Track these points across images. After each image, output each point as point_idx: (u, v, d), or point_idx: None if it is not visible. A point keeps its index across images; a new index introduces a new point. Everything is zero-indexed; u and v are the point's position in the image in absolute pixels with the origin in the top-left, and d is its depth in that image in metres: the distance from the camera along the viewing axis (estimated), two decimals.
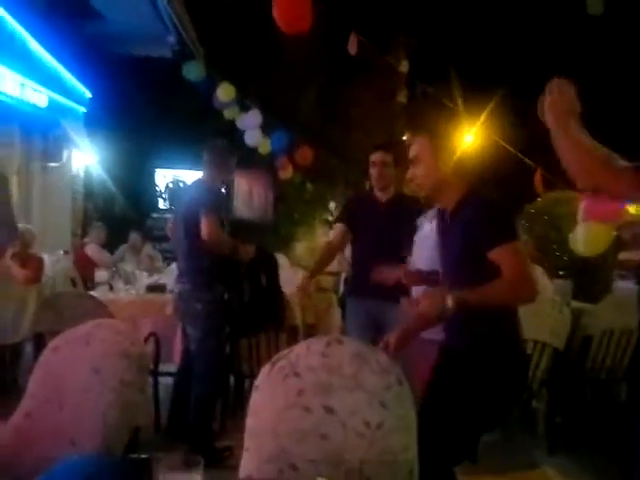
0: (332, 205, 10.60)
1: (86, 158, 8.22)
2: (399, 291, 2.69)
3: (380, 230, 3.06)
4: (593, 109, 2.10)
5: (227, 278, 3.22)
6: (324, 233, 10.00)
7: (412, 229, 2.78)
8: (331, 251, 3.38)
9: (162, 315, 3.57)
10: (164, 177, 10.33)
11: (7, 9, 5.94)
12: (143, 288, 4.19)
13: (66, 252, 6.44)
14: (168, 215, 7.18)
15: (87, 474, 1.08)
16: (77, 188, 8.38)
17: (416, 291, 2.57)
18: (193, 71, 6.89)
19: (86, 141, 7.90)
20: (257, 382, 1.49)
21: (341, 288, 6.30)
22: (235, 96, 7.09)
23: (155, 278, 4.71)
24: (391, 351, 1.97)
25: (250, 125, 7.42)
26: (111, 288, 4.36)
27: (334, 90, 10.06)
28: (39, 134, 7.33)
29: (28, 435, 1.55)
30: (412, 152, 1.98)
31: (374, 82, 9.90)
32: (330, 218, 10.25)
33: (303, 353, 1.50)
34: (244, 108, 7.43)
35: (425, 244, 2.59)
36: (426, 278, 2.30)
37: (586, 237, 4.13)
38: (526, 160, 6.75)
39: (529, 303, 1.82)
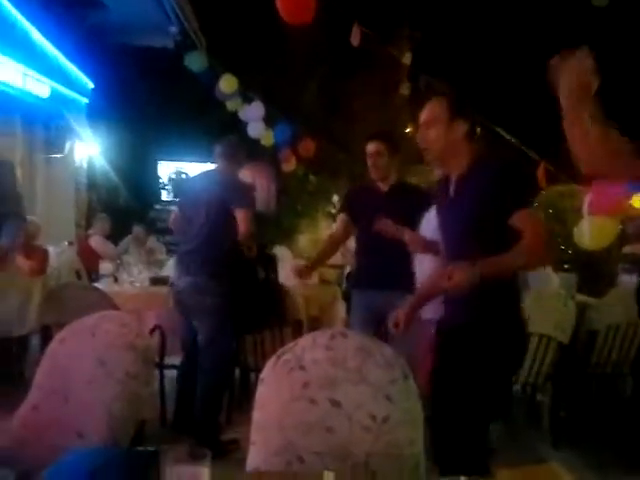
0: (335, 198, 10.56)
1: (89, 149, 8.21)
2: (404, 280, 2.69)
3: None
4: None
5: (233, 270, 3.21)
6: (327, 226, 9.97)
7: (415, 218, 2.73)
8: (333, 243, 3.37)
9: (166, 308, 3.57)
10: (167, 168, 10.31)
11: None
12: (147, 280, 4.19)
13: (70, 243, 6.45)
14: (171, 207, 7.18)
15: (94, 466, 1.08)
16: (80, 179, 8.38)
17: (421, 278, 2.56)
18: (195, 62, 6.86)
19: (88, 132, 7.88)
20: (263, 375, 1.49)
21: (344, 282, 6.29)
22: (238, 88, 7.06)
23: (155, 271, 4.70)
24: (401, 327, 1.97)
25: (253, 117, 7.39)
26: (115, 280, 4.36)
27: (337, 82, 9.99)
28: (41, 125, 7.31)
29: (35, 427, 1.55)
30: (425, 114, 1.95)
31: (377, 74, 9.82)
32: (333, 211, 10.22)
33: (308, 346, 1.50)
34: (247, 100, 7.39)
35: (432, 225, 2.58)
36: (429, 245, 2.29)
37: (591, 231, 4.12)
38: (530, 153, 6.72)
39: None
